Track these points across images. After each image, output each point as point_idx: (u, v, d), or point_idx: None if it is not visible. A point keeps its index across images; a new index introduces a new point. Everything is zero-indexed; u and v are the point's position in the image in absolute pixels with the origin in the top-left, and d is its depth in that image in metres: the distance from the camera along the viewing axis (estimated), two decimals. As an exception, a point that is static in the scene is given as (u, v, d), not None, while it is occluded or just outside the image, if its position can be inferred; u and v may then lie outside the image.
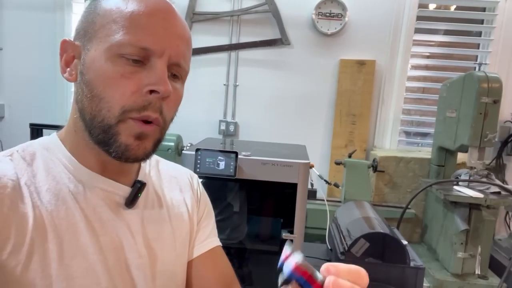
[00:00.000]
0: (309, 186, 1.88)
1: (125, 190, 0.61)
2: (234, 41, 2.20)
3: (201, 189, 0.77)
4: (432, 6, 2.19)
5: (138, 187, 0.61)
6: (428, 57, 2.24)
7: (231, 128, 2.22)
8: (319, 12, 2.12)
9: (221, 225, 1.31)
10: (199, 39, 2.22)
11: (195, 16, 2.20)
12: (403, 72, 2.16)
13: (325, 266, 0.37)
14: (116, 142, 0.53)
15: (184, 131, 2.03)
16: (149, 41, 0.52)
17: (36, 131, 1.79)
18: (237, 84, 2.23)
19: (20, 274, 0.48)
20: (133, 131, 0.53)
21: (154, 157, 0.73)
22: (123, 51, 0.52)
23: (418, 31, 2.14)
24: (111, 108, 0.52)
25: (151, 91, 0.53)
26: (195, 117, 2.25)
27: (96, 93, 0.53)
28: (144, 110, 0.53)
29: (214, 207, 1.30)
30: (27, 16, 2.26)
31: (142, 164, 0.67)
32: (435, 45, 2.22)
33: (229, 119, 2.25)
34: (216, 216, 1.39)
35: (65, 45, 0.58)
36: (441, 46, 2.20)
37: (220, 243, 0.75)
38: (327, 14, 2.12)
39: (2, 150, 0.60)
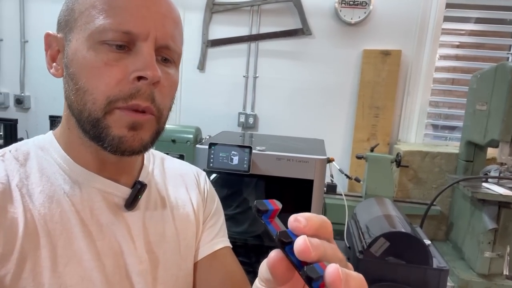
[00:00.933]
0: (329, 180, 1.85)
1: (124, 191, 0.57)
2: (254, 32, 2.16)
3: (209, 187, 0.72)
4: (463, -7, 2.08)
5: (138, 188, 0.57)
6: (458, 46, 2.13)
7: (250, 120, 2.19)
8: (342, 1, 2.05)
9: (240, 218, 1.30)
10: (219, 30, 2.19)
11: (215, 7, 2.17)
12: (430, 63, 2.07)
13: (294, 217, 0.31)
14: (109, 135, 0.49)
15: (203, 123, 2.02)
16: (131, 24, 0.48)
17: (56, 123, 1.82)
18: (257, 75, 2.20)
19: (10, 284, 0.45)
20: (123, 122, 0.49)
21: (159, 155, 0.70)
22: (105, 37, 0.48)
23: (447, 19, 2.04)
24: (96, 100, 0.48)
25: (139, 78, 0.48)
26: (214, 109, 2.24)
27: (81, 85, 0.49)
28: (132, 99, 0.48)
29: (232, 200, 1.29)
30: (52, 9, 2.28)
31: (145, 163, 0.63)
32: (466, 34, 2.11)
33: (248, 111, 2.22)
34: (234, 209, 1.37)
35: (49, 39, 0.54)
36: (472, 35, 2.09)
37: (229, 244, 0.70)
38: (351, 3, 2.04)
39: (28, 140, 0.57)
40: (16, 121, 1.87)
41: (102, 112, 0.49)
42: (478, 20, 2.07)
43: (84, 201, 0.53)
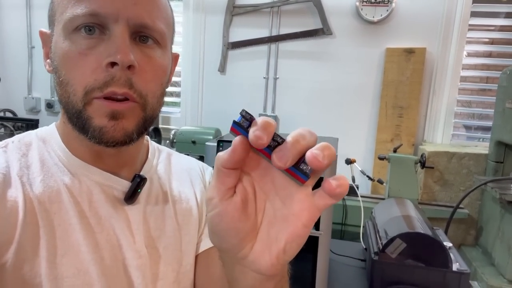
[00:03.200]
0: (350, 182, 1.81)
1: (124, 185, 0.56)
2: (274, 33, 2.16)
3: None
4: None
5: (137, 181, 0.56)
6: (487, 43, 2.04)
7: (271, 121, 2.18)
8: (363, -1, 2.01)
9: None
10: (239, 32, 2.21)
11: (235, 10, 2.19)
12: (457, 60, 1.99)
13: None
14: (90, 127, 0.48)
15: (224, 125, 2.03)
16: (97, 5, 0.47)
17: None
18: (277, 77, 2.19)
19: (10, 272, 0.45)
20: (102, 111, 0.48)
21: (166, 150, 0.69)
22: (75, 23, 0.47)
23: (474, 14, 1.95)
24: (76, 91, 0.48)
25: (112, 64, 0.47)
26: (235, 111, 2.23)
27: (62, 78, 0.49)
28: (108, 86, 0.47)
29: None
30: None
31: (149, 157, 0.62)
32: (496, 30, 2.01)
33: (269, 112, 2.22)
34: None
35: (42, 37, 0.54)
36: (503, 31, 2.00)
37: None
38: (372, 1, 2.00)
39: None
40: (37, 121, 1.96)
41: (82, 103, 0.48)
42: (509, 15, 1.97)
43: (82, 193, 0.52)
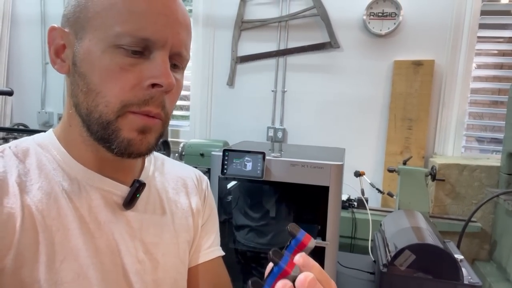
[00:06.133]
0: (360, 194, 1.79)
1: (123, 190, 0.56)
2: (282, 47, 2.18)
3: (209, 193, 0.71)
4: (500, -1, 1.99)
5: (136, 186, 0.56)
6: (497, 54, 2.03)
7: (279, 134, 2.19)
8: (370, 13, 2.03)
9: (264, 230, 1.28)
10: (248, 47, 2.23)
11: (243, 24, 2.22)
12: (466, 72, 1.98)
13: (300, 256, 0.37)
14: (118, 137, 0.49)
15: (232, 138, 2.04)
16: (150, 31, 0.48)
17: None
18: (285, 90, 2.20)
19: (8, 278, 0.46)
20: (135, 125, 0.49)
21: (160, 157, 0.69)
22: (122, 41, 0.47)
23: (482, 26, 1.95)
24: (109, 103, 0.48)
25: (154, 85, 0.49)
26: (243, 124, 2.26)
27: (92, 87, 0.49)
28: (145, 105, 0.49)
29: (255, 211, 1.27)
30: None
31: (146, 164, 0.63)
32: (504, 41, 2.00)
33: (277, 125, 2.22)
34: (258, 221, 1.36)
35: (54, 34, 0.52)
36: (512, 42, 1.99)
37: (223, 253, 0.71)
38: (380, 14, 2.02)
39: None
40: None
41: (114, 116, 0.49)
42: (518, 26, 1.97)
43: (82, 198, 0.52)
